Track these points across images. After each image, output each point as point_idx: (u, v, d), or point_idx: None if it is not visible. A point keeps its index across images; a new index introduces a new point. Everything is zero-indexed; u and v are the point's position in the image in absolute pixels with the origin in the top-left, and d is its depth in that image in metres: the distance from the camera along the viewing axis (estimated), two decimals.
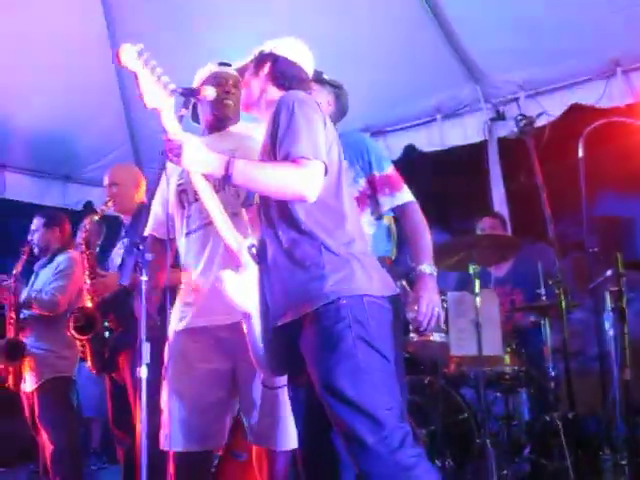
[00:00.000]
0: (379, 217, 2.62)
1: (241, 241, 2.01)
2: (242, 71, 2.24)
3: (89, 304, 3.49)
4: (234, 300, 1.95)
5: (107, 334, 3.49)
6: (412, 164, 4.86)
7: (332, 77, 2.61)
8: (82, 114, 4.95)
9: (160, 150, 1.97)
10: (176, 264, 2.48)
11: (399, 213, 2.57)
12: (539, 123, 4.18)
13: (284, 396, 2.23)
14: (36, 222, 4.06)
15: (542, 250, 3.79)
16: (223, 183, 2.34)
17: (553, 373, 3.45)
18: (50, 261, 4.03)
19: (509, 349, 3.50)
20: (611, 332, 3.19)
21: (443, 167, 5.05)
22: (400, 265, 3.01)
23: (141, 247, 1.98)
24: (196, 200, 2.40)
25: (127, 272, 2.01)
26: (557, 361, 3.60)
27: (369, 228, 2.54)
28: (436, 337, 3.10)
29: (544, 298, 3.50)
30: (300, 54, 2.18)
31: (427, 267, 2.39)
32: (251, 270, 1.98)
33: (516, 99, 4.50)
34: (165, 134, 1.96)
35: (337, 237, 1.89)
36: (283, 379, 2.13)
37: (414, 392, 3.39)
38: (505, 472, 3.25)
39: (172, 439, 2.31)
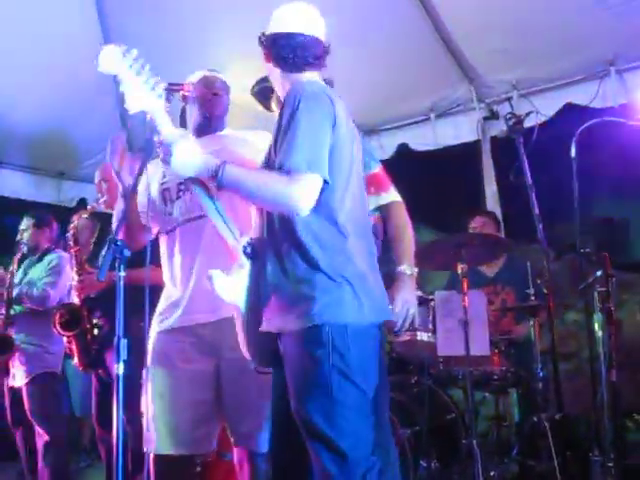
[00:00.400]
0: None
1: (239, 239, 1.97)
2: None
3: (76, 300, 3.51)
4: (224, 299, 1.94)
5: (96, 331, 3.50)
6: (405, 163, 4.86)
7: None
8: (76, 111, 4.94)
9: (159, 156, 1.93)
10: (156, 263, 2.46)
11: (384, 213, 2.58)
12: (531, 123, 4.16)
13: (268, 398, 2.21)
14: (25, 222, 4.15)
15: (533, 251, 3.78)
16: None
17: (542, 374, 3.42)
18: (40, 260, 4.12)
19: (497, 349, 3.48)
20: (600, 333, 3.17)
21: (436, 166, 5.04)
22: (383, 264, 3.00)
23: (119, 243, 1.97)
24: (178, 198, 2.40)
25: (105, 268, 2.00)
26: (547, 362, 3.59)
27: None
28: (423, 336, 3.08)
29: (533, 298, 3.49)
30: (299, 18, 1.99)
31: (407, 268, 2.40)
32: (245, 269, 1.96)
33: (509, 99, 4.49)
34: (157, 136, 1.91)
35: (334, 256, 1.81)
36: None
37: (400, 392, 3.38)
38: (492, 473, 3.23)
39: (155, 442, 2.30)
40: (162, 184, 2.45)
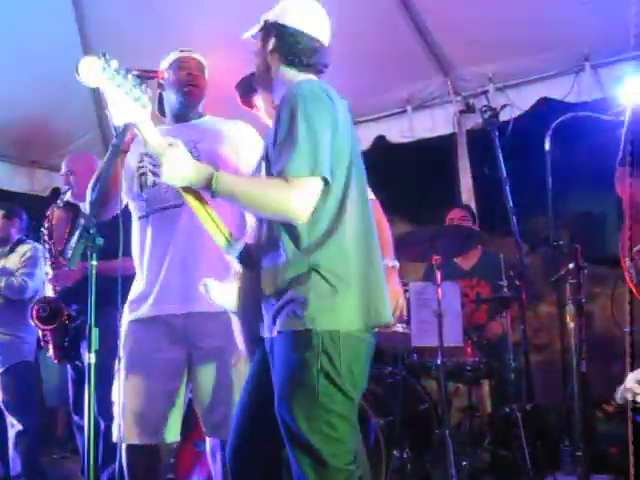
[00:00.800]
0: None
1: (233, 244, 1.90)
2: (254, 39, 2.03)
3: (50, 293, 3.50)
4: (224, 306, 1.92)
5: (68, 323, 3.49)
6: (382, 155, 4.86)
7: None
8: (50, 100, 4.86)
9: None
10: (128, 254, 2.44)
11: None
12: (507, 116, 4.20)
13: (239, 387, 2.20)
14: None
15: (508, 243, 3.81)
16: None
17: (514, 365, 3.47)
18: (11, 251, 4.12)
19: (470, 341, 3.51)
20: (571, 325, 3.21)
21: (413, 158, 5.06)
22: None
23: (91, 231, 1.95)
24: (154, 185, 2.38)
25: (76, 257, 1.98)
26: (519, 353, 3.63)
27: None
28: (398, 328, 3.10)
29: (506, 290, 3.53)
30: (310, 19, 1.95)
31: (391, 261, 2.46)
32: (239, 275, 1.92)
33: (485, 92, 4.51)
34: (145, 147, 1.85)
35: (331, 259, 1.76)
36: None
37: (375, 382, 3.40)
38: (464, 463, 3.27)
39: (126, 432, 2.29)
40: (138, 168, 2.42)
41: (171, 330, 2.33)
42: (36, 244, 4.05)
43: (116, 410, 2.31)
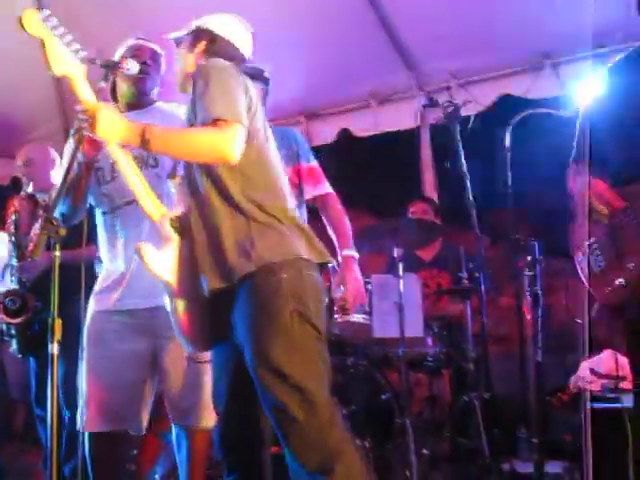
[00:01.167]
0: (300, 204, 2.73)
1: (164, 213, 1.97)
2: (178, 42, 2.18)
3: (15, 286, 3.45)
4: (154, 271, 1.93)
5: (32, 316, 3.44)
6: (346, 148, 4.91)
7: (267, 62, 2.62)
8: (10, 87, 4.78)
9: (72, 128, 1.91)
10: (92, 241, 2.43)
11: (320, 203, 2.78)
12: (469, 112, 4.27)
13: (208, 374, 2.23)
14: None
15: (469, 236, 3.89)
16: (146, 160, 2.32)
17: (473, 355, 3.54)
18: None
19: (431, 332, 3.58)
20: (529, 316, 3.29)
21: (377, 152, 5.11)
22: None
23: (54, 222, 1.95)
24: (113, 179, 2.37)
25: (40, 248, 1.97)
26: (479, 344, 3.71)
27: None
28: (359, 319, 3.16)
29: (466, 282, 3.60)
30: (238, 34, 2.14)
31: (350, 251, 2.59)
32: (174, 243, 1.96)
33: (448, 87, 4.58)
34: (78, 103, 1.90)
35: (263, 205, 1.87)
36: (209, 354, 2.12)
37: (337, 373, 3.43)
38: (424, 451, 3.34)
39: (89, 420, 2.29)
40: (95, 162, 2.40)
41: (137, 322, 2.34)
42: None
43: (80, 400, 2.31)
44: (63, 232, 1.94)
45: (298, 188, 2.74)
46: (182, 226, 1.96)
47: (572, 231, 2.15)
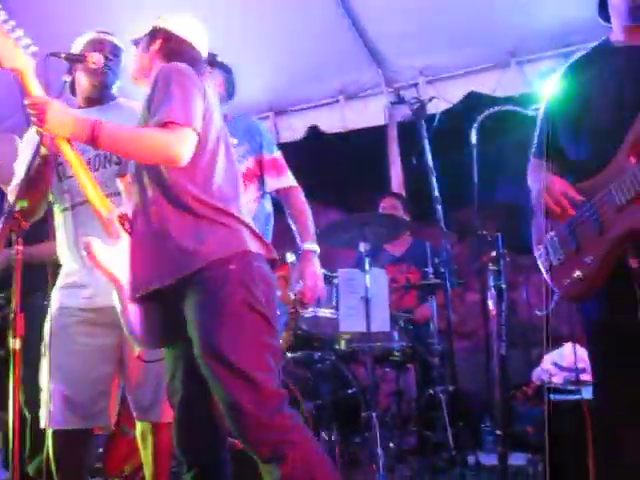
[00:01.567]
0: (262, 196, 2.75)
1: (112, 210, 1.97)
2: (136, 42, 2.18)
3: None
4: (102, 268, 1.92)
5: None
6: (315, 144, 4.92)
7: (236, 58, 2.62)
8: None
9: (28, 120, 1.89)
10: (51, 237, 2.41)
11: (283, 195, 2.74)
12: (436, 109, 4.31)
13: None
14: None
15: (437, 232, 3.93)
16: (109, 158, 2.30)
17: (439, 349, 3.59)
18: None
19: (397, 326, 3.61)
20: (494, 311, 3.34)
21: (345, 148, 5.13)
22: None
23: (16, 216, 1.93)
24: (73, 175, 2.34)
25: (1, 242, 1.95)
26: (445, 338, 3.76)
27: (252, 204, 2.66)
28: (326, 313, 3.17)
29: (432, 277, 3.64)
30: (195, 33, 2.14)
31: (311, 245, 2.57)
32: (123, 241, 1.95)
33: (416, 84, 4.62)
34: (27, 98, 1.88)
35: (211, 204, 1.87)
36: (160, 352, 2.11)
37: (304, 367, 3.45)
38: (391, 444, 3.37)
39: (53, 417, 2.26)
40: (56, 157, 2.37)
41: (103, 318, 2.31)
42: None
43: (44, 396, 2.29)
44: (25, 226, 1.93)
45: (259, 180, 2.73)
46: (130, 224, 1.96)
47: (533, 226, 2.19)
